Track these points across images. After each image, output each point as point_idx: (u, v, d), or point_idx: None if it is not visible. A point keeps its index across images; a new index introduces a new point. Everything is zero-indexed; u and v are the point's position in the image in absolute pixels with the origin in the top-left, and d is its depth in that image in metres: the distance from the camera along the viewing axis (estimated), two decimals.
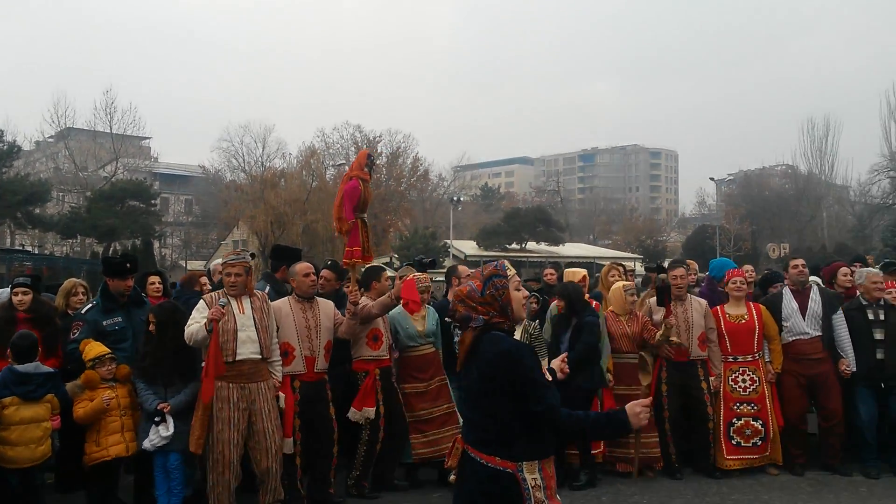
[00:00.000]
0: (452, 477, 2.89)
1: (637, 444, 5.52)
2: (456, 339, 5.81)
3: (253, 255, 5.62)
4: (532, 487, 2.73)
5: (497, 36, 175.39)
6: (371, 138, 46.44)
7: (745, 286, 6.38)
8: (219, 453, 4.83)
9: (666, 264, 7.05)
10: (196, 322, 4.84)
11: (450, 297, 6.19)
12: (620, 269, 6.99)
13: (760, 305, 6.36)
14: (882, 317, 6.09)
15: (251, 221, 36.38)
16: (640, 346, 6.20)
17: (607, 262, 7.49)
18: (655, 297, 6.12)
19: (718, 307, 6.37)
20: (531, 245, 41.74)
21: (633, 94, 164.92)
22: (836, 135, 50.72)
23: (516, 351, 2.80)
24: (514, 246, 41.51)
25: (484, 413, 2.81)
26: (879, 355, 6.00)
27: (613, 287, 6.40)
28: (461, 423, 5.75)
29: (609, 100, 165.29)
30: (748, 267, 7.34)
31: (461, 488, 2.84)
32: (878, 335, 6.05)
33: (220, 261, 6.45)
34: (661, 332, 5.97)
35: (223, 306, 4.82)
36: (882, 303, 6.12)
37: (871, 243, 37.32)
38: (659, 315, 6.15)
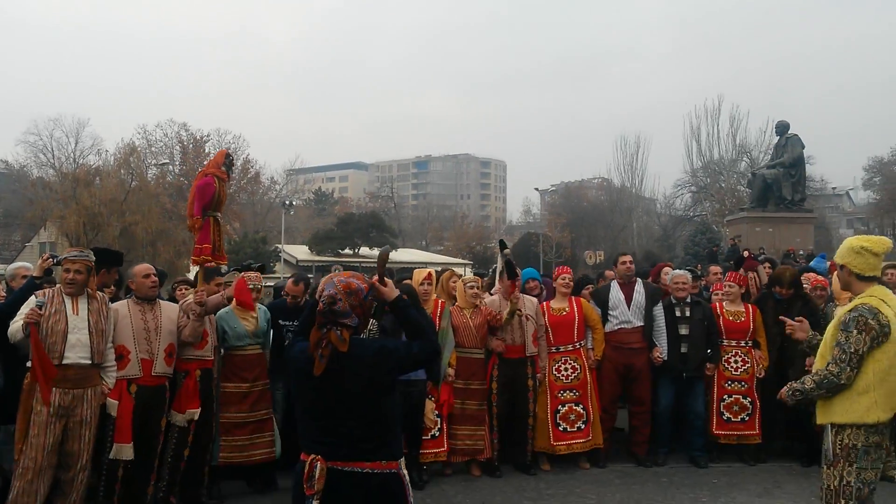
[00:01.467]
0: (315, 502, 2.66)
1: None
2: (288, 342, 5.78)
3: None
4: (408, 482, 2.83)
5: (337, 42, 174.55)
6: (198, 138, 44.49)
7: (571, 283, 6.82)
8: (30, 459, 4.46)
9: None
10: (18, 320, 4.52)
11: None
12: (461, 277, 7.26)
13: (581, 299, 6.82)
14: (687, 313, 6.73)
15: (61, 222, 33.54)
16: (484, 341, 6.37)
17: (439, 268, 7.73)
18: (502, 272, 6.39)
19: (543, 303, 6.78)
20: (364, 250, 41.74)
21: (467, 107, 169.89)
22: (646, 152, 54.93)
23: (382, 344, 2.83)
24: (347, 251, 41.34)
25: (367, 420, 2.74)
26: (683, 349, 6.63)
27: (458, 282, 6.63)
28: (276, 433, 5.69)
29: (444, 111, 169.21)
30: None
31: None
32: (683, 330, 6.68)
33: (18, 265, 5.96)
34: (507, 309, 6.24)
35: (40, 306, 4.49)
36: (688, 300, 6.76)
37: (674, 251, 40.88)
38: (497, 296, 6.46)
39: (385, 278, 2.95)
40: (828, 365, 3.52)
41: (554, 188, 65.49)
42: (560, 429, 6.43)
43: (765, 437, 6.65)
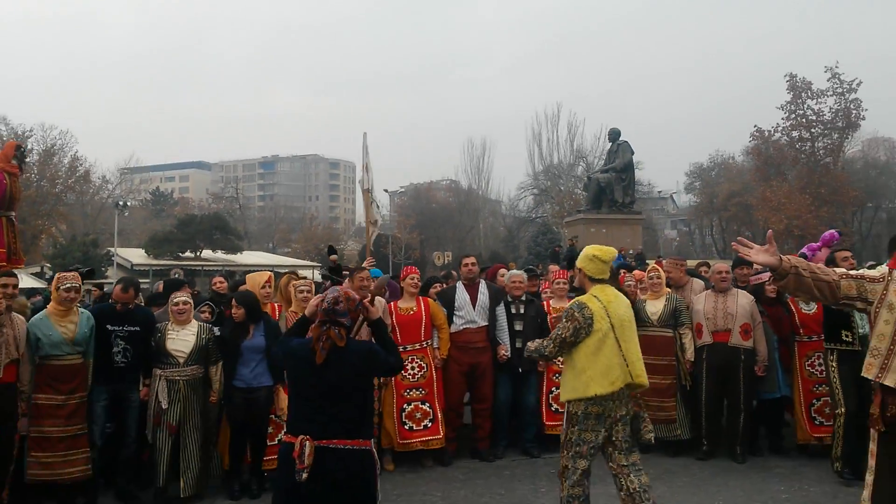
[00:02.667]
0: (305, 475, 3.21)
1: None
2: (116, 348, 5.42)
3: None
4: (377, 458, 3.52)
5: (179, 31, 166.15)
6: (19, 133, 40.82)
7: (418, 283, 6.89)
8: None
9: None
10: None
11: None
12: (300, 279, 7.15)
13: (428, 299, 6.88)
14: (522, 310, 6.98)
15: None
16: None
17: (286, 271, 7.60)
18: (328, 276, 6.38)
19: (392, 303, 6.80)
20: (207, 253, 40.11)
21: (316, 107, 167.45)
22: (492, 155, 56.95)
23: (370, 345, 3.67)
24: (188, 254, 39.51)
25: (354, 404, 3.41)
26: (518, 344, 6.85)
27: (290, 287, 6.51)
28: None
29: (292, 110, 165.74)
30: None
31: (320, 481, 3.24)
32: (518, 326, 6.93)
33: None
34: None
35: None
36: (522, 298, 7.00)
37: (518, 251, 42.38)
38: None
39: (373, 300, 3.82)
40: (546, 339, 4.59)
41: (403, 190, 66.04)
42: (406, 427, 6.46)
43: None
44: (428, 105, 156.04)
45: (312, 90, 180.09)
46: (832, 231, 7.62)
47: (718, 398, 6.68)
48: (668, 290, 7.08)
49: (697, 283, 7.43)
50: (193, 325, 5.83)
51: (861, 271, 3.65)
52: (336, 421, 3.34)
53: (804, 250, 7.48)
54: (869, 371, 3.40)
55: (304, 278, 7.10)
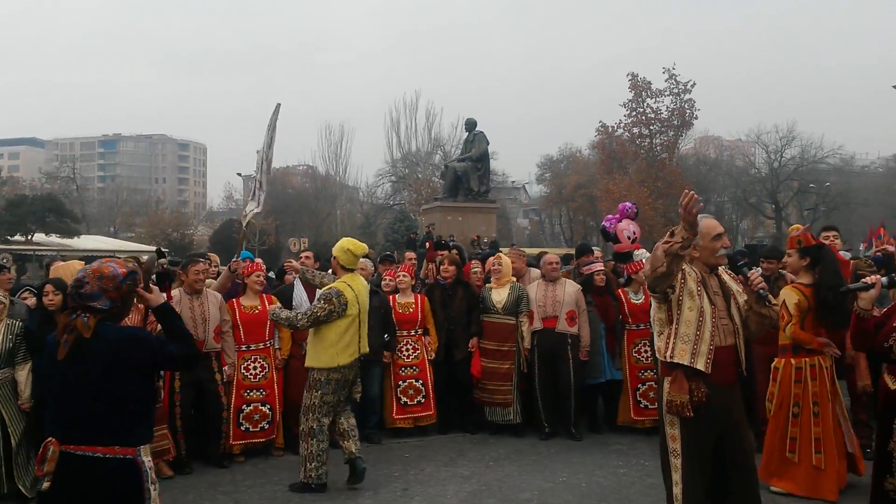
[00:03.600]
0: (46, 483, 2.72)
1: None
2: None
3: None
4: (149, 469, 2.87)
5: (12, 1, 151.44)
6: None
7: (264, 281, 6.69)
8: None
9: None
10: None
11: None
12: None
13: (272, 296, 6.71)
14: (377, 303, 6.97)
15: None
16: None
17: (126, 257, 7.13)
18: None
19: (235, 300, 6.56)
20: (39, 237, 37.10)
21: (163, 85, 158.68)
22: (350, 141, 56.30)
23: (135, 332, 2.98)
24: (18, 238, 36.36)
25: (107, 402, 2.80)
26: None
27: None
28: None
29: (137, 87, 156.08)
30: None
31: (63, 493, 2.73)
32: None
33: None
34: None
35: None
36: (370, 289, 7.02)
37: (375, 238, 42.35)
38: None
39: (150, 285, 3.07)
40: (300, 313, 5.46)
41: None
42: (242, 429, 6.30)
43: (442, 413, 7.20)
44: (283, 88, 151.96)
45: (160, 67, 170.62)
46: (627, 203, 8.17)
47: (550, 380, 7.00)
48: (513, 279, 7.36)
49: (535, 272, 7.76)
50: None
51: None
52: (83, 424, 2.79)
53: (604, 223, 7.93)
54: (682, 357, 3.48)
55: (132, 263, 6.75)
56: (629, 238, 7.57)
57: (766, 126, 63.34)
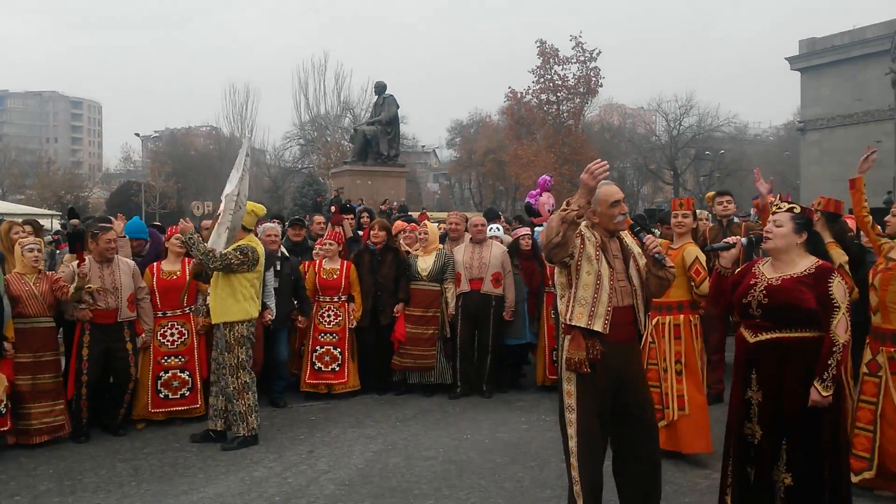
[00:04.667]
0: None
1: None
2: None
3: None
4: None
5: None
6: None
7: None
8: None
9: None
10: None
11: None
12: (26, 226, 6.43)
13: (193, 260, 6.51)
14: (278, 267, 6.86)
15: None
16: (53, 309, 5.74)
17: (20, 219, 6.79)
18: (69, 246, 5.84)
19: (155, 263, 6.38)
20: None
21: (55, 40, 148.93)
22: (256, 102, 54.72)
23: None
24: None
25: None
26: (271, 303, 6.74)
27: (17, 246, 5.81)
28: None
29: (26, 42, 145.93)
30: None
31: None
32: (275, 284, 6.78)
33: None
34: (74, 284, 5.65)
35: None
36: (279, 254, 6.90)
37: (283, 202, 41.57)
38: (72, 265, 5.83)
39: None
40: (215, 252, 5.46)
41: (157, 134, 61.49)
42: (161, 396, 6.16)
43: (362, 377, 7.24)
44: (184, 45, 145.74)
45: (48, 22, 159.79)
46: (544, 177, 8.39)
47: (471, 341, 7.16)
48: (440, 246, 7.42)
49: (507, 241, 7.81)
50: None
51: None
52: None
53: (528, 199, 8.13)
54: (580, 320, 3.60)
55: (30, 226, 6.42)
56: (549, 211, 7.75)
57: (666, 95, 65.54)
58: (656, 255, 3.66)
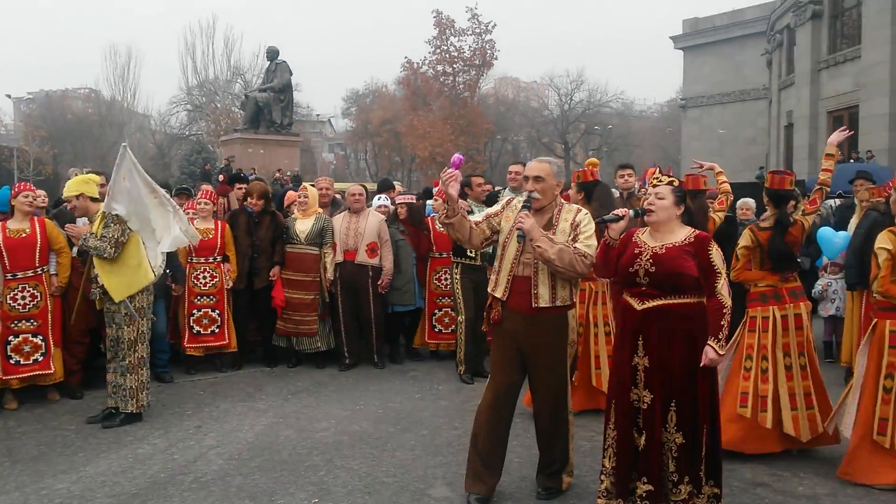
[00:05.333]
0: None
1: None
2: None
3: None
4: None
5: None
6: None
7: (34, 202, 6.04)
8: None
9: None
10: None
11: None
12: None
13: (46, 220, 6.12)
14: None
15: None
16: None
17: None
18: None
19: (1, 223, 5.96)
20: None
21: None
22: (139, 65, 51.95)
23: None
24: None
25: None
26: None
27: None
28: None
29: None
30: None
31: None
32: None
33: None
34: None
35: None
36: None
37: (170, 171, 39.90)
38: None
39: None
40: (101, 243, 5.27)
41: (31, 96, 57.39)
42: (12, 362, 5.78)
43: (241, 345, 7.12)
44: (60, 4, 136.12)
45: None
46: (457, 155, 8.42)
47: (353, 312, 7.14)
48: (320, 210, 7.32)
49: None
50: None
51: (487, 211, 4.24)
52: None
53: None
54: (490, 286, 4.10)
55: None
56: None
57: (558, 70, 66.92)
58: (518, 232, 3.85)
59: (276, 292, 7.03)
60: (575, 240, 3.88)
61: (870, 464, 4.30)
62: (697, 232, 3.70)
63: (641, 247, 3.72)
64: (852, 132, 5.26)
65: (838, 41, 22.96)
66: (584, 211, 4.03)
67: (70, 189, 5.62)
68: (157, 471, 4.54)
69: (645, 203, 3.80)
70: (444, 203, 3.96)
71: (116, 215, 5.33)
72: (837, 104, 22.47)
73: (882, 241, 4.42)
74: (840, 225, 6.82)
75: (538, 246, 3.81)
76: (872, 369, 4.42)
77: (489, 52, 41.04)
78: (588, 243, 3.87)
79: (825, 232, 7.09)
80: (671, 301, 3.60)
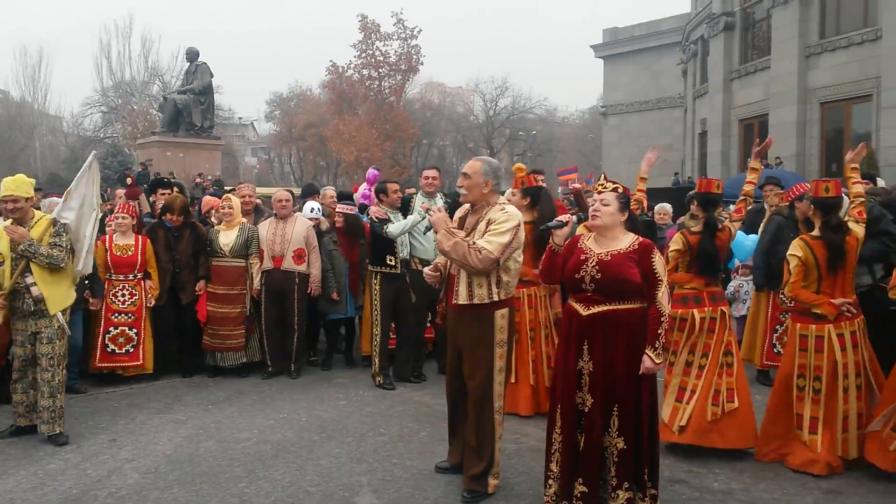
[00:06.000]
0: None
1: None
2: None
3: None
4: None
5: None
6: None
7: None
8: None
9: None
10: None
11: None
12: None
13: None
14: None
15: None
16: None
17: None
18: None
19: None
20: None
21: None
22: (51, 64, 49.83)
23: None
24: None
25: None
26: None
27: None
28: None
29: None
30: None
31: None
32: None
33: None
34: None
35: None
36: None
37: None
38: None
39: None
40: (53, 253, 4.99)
41: None
42: None
43: (160, 359, 6.89)
44: None
45: None
46: (372, 170, 8.40)
47: (277, 319, 6.99)
48: (243, 220, 7.16)
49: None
50: None
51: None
52: None
53: (362, 200, 8.06)
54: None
55: None
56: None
57: (483, 76, 67.60)
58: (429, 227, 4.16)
59: (199, 307, 6.84)
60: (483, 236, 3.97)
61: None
62: (641, 239, 3.77)
63: (587, 253, 3.76)
64: (771, 141, 5.48)
65: (749, 52, 23.95)
66: (508, 210, 4.04)
67: (20, 189, 5.03)
68: (69, 487, 4.34)
69: (590, 209, 3.84)
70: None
71: (65, 224, 5.13)
72: (748, 112, 23.42)
73: (794, 248, 4.61)
74: (750, 228, 7.09)
75: (437, 239, 3.97)
76: (786, 369, 4.65)
77: (415, 57, 41.08)
78: (490, 239, 3.90)
79: (737, 235, 7.37)
80: (616, 307, 3.65)
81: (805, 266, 4.54)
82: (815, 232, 4.67)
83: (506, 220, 3.96)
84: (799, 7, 19.86)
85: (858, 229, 4.64)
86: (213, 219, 7.42)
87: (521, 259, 4.14)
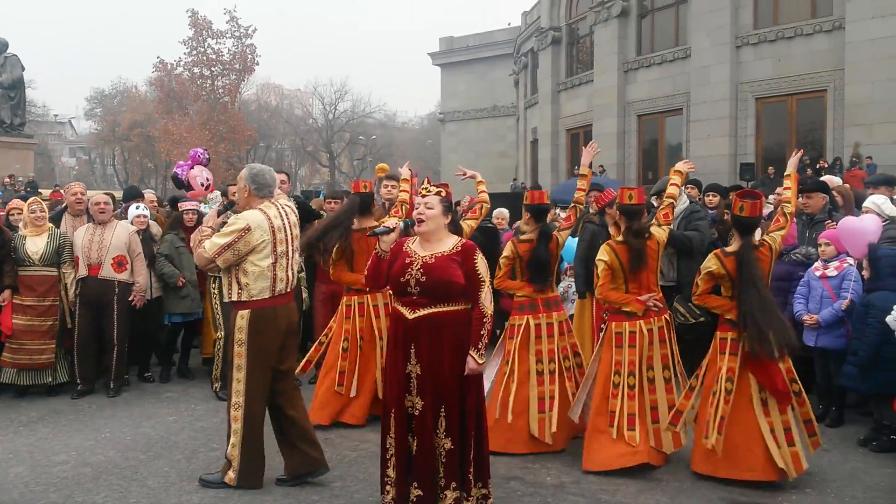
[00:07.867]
0: None
1: None
2: None
3: None
4: None
5: None
6: None
7: None
8: None
9: None
10: None
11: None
12: None
13: None
14: None
15: None
16: None
17: None
18: None
19: None
20: None
21: None
22: None
23: None
24: None
25: None
26: None
27: None
28: None
29: None
30: None
31: None
32: None
33: None
34: None
35: None
36: None
37: None
38: None
39: None
40: None
41: None
42: None
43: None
44: None
45: None
46: (197, 150, 7.98)
47: (93, 332, 6.52)
48: (51, 225, 6.61)
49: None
50: None
51: None
52: None
53: (176, 170, 7.64)
54: None
55: None
56: (203, 185, 7.27)
57: (322, 79, 66.96)
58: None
59: (3, 318, 6.24)
60: None
61: (606, 452, 4.70)
62: (464, 241, 3.84)
63: (412, 256, 3.77)
64: (599, 149, 5.77)
65: (574, 66, 25.37)
66: (245, 215, 4.23)
67: None
68: None
69: (415, 214, 3.86)
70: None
71: None
72: (575, 123, 24.81)
73: (601, 253, 4.89)
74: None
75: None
76: (604, 367, 4.90)
77: (250, 56, 39.91)
78: (213, 240, 4.20)
79: (567, 240, 7.76)
80: (441, 309, 3.69)
81: (611, 269, 4.82)
82: (619, 237, 4.98)
83: (234, 223, 4.19)
84: (618, 25, 21.32)
85: (660, 233, 4.96)
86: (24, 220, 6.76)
87: (262, 264, 4.18)
